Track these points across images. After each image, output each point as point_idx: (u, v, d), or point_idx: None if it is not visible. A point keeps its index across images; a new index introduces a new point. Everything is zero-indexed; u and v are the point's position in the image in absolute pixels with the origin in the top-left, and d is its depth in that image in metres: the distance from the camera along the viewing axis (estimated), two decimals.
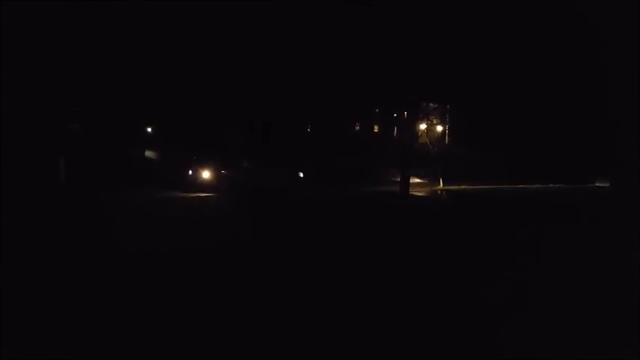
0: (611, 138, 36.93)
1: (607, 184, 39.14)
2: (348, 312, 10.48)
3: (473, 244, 18.13)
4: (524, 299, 11.54)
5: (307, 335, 9.37)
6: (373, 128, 46.56)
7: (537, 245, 17.62)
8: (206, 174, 33.14)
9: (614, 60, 32.85)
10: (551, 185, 39.69)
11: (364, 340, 9.26)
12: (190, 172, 33.33)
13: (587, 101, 37.55)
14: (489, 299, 11.58)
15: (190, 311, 10.30)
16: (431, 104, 40.25)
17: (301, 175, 37.25)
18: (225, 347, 8.89)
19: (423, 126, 39.32)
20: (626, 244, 17.16)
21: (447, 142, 42.77)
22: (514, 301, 11.40)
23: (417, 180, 38.46)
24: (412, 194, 33.96)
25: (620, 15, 29.69)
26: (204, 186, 32.11)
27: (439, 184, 38.75)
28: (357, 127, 45.84)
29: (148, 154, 39.64)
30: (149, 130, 40.74)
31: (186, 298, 11.13)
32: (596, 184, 39.91)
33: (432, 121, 40.12)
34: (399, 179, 34.36)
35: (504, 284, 12.59)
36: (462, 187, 38.24)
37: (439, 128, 41.41)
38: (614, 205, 27.81)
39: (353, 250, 16.44)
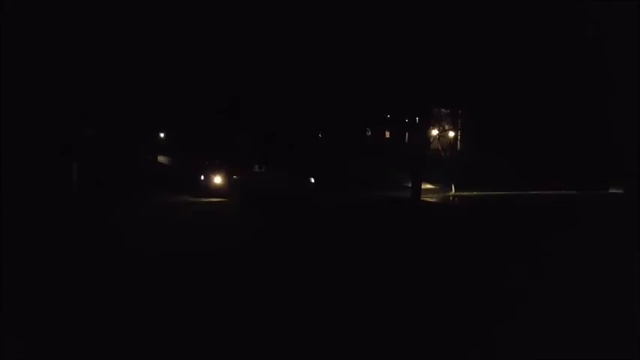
0: (625, 144, 36.74)
1: (621, 191, 38.95)
2: (359, 318, 10.47)
3: (485, 249, 18.06)
4: (536, 304, 11.47)
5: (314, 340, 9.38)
6: (385, 134, 46.53)
7: (551, 252, 17.53)
8: (218, 179, 33.22)
9: (628, 67, 32.74)
10: (564, 192, 39.50)
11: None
12: (202, 177, 33.46)
13: (601, 107, 37.38)
14: (500, 303, 11.54)
15: (197, 315, 10.33)
16: (443, 110, 40.21)
17: (312, 180, 37.28)
18: (236, 347, 8.93)
19: (434, 132, 39.28)
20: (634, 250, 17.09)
21: (458, 148, 42.68)
22: (525, 306, 11.33)
23: (429, 186, 38.38)
24: (424, 200, 33.88)
25: (631, 21, 29.60)
26: (216, 191, 32.20)
27: (451, 190, 38.65)
28: (369, 133, 45.83)
29: (161, 159, 39.87)
30: (162, 135, 41.00)
31: (192, 302, 11.16)
32: (610, 191, 39.69)
33: (443, 127, 40.06)
34: (410, 185, 34.29)
35: (516, 289, 12.55)
36: (474, 193, 38.12)
37: (451, 134, 41.31)
38: (628, 212, 27.64)
39: (364, 256, 16.41)
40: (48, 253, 14.83)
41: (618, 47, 31.81)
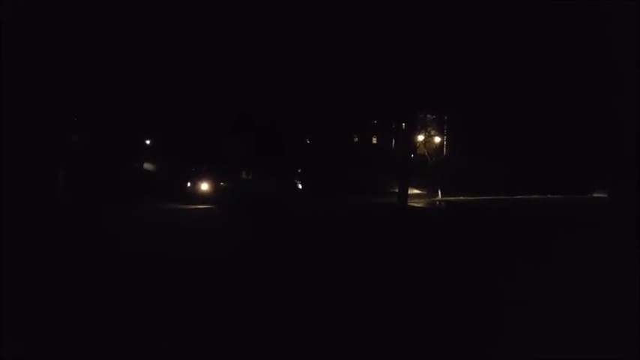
0: (609, 148, 37.10)
1: (605, 195, 39.35)
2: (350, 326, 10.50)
3: (472, 254, 18.16)
4: (527, 306, 11.54)
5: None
6: (371, 140, 46.66)
7: (538, 254, 17.68)
8: (205, 186, 33.21)
9: (614, 70, 32.99)
10: (549, 196, 39.80)
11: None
12: (189, 183, 33.40)
13: (585, 111, 37.74)
14: (490, 308, 11.60)
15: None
16: (429, 115, 40.45)
17: (300, 186, 37.31)
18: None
19: (421, 137, 39.49)
20: (626, 252, 17.26)
21: (445, 153, 42.91)
22: (517, 308, 11.40)
23: (416, 191, 38.53)
24: (410, 205, 34.00)
25: (621, 27, 29.78)
26: (203, 198, 32.17)
27: (437, 195, 38.83)
28: (356, 139, 45.95)
29: (147, 166, 39.73)
30: (148, 142, 40.85)
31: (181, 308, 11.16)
32: (594, 195, 40.08)
33: (429, 132, 40.29)
34: (397, 190, 34.41)
35: (505, 293, 12.63)
36: (461, 197, 38.33)
37: (437, 139, 41.56)
38: (613, 215, 27.91)
39: (350, 262, 16.44)
40: (33, 262, 14.74)
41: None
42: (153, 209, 28.30)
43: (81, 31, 31.16)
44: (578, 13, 32.48)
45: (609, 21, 30.29)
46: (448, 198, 38.08)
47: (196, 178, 33.64)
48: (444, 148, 42.99)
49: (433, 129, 40.83)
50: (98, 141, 35.93)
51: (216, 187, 33.40)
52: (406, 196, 33.92)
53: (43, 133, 30.80)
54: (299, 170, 38.81)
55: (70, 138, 35.84)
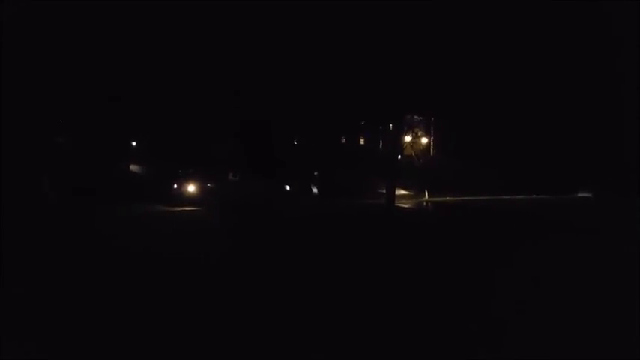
0: (595, 149, 37.45)
1: (589, 195, 39.78)
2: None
3: (459, 254, 18.21)
4: (521, 309, 11.52)
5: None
6: (359, 141, 46.79)
7: (527, 254, 17.74)
8: (191, 188, 33.05)
9: (600, 72, 33.23)
10: (534, 196, 40.12)
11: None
12: (175, 185, 33.22)
13: (571, 112, 38.05)
14: (483, 312, 11.57)
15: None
16: (415, 117, 40.65)
17: (287, 187, 37.27)
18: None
19: (408, 138, 39.66)
20: (616, 250, 17.40)
21: (431, 154, 43.12)
22: (512, 312, 11.38)
23: (403, 192, 38.68)
24: (398, 206, 34.11)
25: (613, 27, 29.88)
26: (189, 200, 32.00)
27: (424, 196, 38.99)
28: (343, 140, 46.05)
29: (133, 167, 39.49)
30: (134, 143, 40.62)
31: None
32: (579, 195, 40.48)
33: (416, 134, 40.51)
34: (384, 191, 34.52)
35: (497, 295, 12.61)
36: (448, 198, 38.52)
37: (424, 140, 41.78)
38: (598, 215, 28.17)
39: (337, 265, 16.41)
40: (22, 263, 14.59)
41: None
42: (139, 211, 28.11)
43: (66, 33, 30.94)
44: (574, 12, 32.57)
45: (608, 20, 30.31)
46: (435, 199, 38.26)
47: (183, 179, 33.46)
48: (431, 149, 43.21)
49: (420, 130, 41.06)
50: (84, 143, 35.66)
51: (202, 189, 33.26)
52: (393, 197, 34.05)
53: (27, 135, 30.53)
54: (315, 173, 39.15)
55: (55, 140, 35.54)
